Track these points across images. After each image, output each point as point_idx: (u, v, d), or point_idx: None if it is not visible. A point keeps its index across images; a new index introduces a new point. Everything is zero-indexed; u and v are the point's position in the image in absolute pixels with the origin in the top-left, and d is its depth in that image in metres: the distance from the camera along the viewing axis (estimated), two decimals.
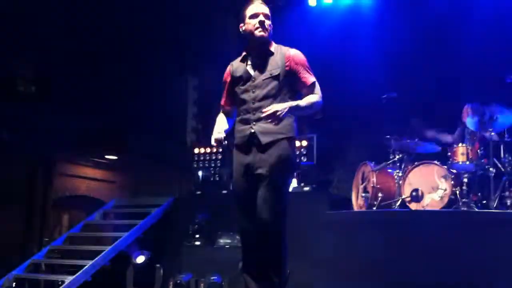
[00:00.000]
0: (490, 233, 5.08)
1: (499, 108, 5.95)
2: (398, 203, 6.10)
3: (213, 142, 3.65)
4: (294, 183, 7.09)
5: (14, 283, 6.56)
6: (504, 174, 5.91)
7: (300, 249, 5.41)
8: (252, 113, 3.55)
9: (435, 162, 6.13)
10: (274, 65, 3.56)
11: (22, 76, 8.62)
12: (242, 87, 3.61)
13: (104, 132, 8.80)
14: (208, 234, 6.96)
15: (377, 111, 7.22)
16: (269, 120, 3.38)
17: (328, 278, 5.60)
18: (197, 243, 6.97)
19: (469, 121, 6.24)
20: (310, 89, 3.58)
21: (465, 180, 5.96)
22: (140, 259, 6.77)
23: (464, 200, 5.80)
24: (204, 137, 8.83)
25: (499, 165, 5.95)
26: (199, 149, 8.02)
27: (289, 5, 8.57)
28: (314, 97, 3.55)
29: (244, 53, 3.71)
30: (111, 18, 8.38)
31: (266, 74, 3.56)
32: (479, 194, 5.95)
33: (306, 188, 6.98)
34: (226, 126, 3.73)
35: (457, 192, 5.89)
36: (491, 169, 5.86)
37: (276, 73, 3.54)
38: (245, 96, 3.59)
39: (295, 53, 3.62)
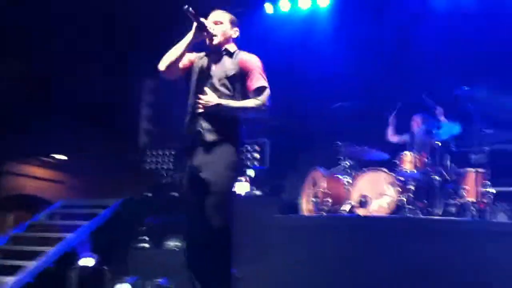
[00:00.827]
0: (435, 240, 5.18)
1: (446, 118, 6.15)
2: (347, 208, 6.18)
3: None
4: (246, 187, 7.11)
5: None
6: (449, 182, 6.09)
7: (250, 254, 5.40)
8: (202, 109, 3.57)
9: (383, 169, 6.25)
10: (230, 67, 3.64)
11: None
12: (197, 82, 3.66)
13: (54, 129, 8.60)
14: (156, 237, 6.88)
15: (329, 118, 7.34)
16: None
17: (277, 283, 5.61)
18: (146, 245, 6.87)
19: (417, 131, 6.42)
20: (255, 93, 3.61)
21: (412, 187, 6.08)
22: (86, 261, 6.61)
23: (410, 207, 5.93)
24: (157, 139, 8.74)
25: (445, 174, 6.12)
26: (151, 151, 7.94)
27: (245, 12, 8.58)
28: (254, 102, 3.57)
29: (205, 52, 3.78)
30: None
31: (222, 74, 3.63)
32: (425, 201, 6.09)
33: (258, 193, 7.00)
34: None
35: (404, 199, 6.01)
36: (437, 177, 6.03)
37: (231, 74, 3.62)
38: (198, 91, 3.61)
39: (251, 58, 3.70)
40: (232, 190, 3.67)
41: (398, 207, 6.00)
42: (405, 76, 7.70)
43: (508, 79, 6.89)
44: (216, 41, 3.69)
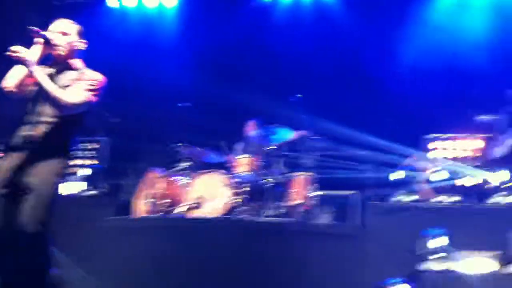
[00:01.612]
0: (262, 240, 5.41)
1: (280, 124, 6.49)
2: (183, 209, 6.22)
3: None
4: (83, 186, 6.85)
5: None
6: (280, 185, 6.42)
7: (81, 257, 5.20)
8: (37, 116, 3.48)
9: (220, 171, 6.40)
10: (69, 79, 3.57)
11: None
12: (37, 91, 3.50)
13: None
14: None
15: (171, 118, 7.34)
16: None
17: (107, 286, 5.46)
18: None
19: (252, 134, 6.66)
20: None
21: (246, 189, 6.30)
22: None
23: (243, 208, 6.14)
24: None
25: (277, 177, 6.44)
26: None
27: (86, 3, 8.27)
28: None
29: (50, 63, 3.65)
30: None
31: (60, 84, 3.52)
32: (259, 203, 6.35)
33: (93, 192, 6.78)
34: None
35: (239, 200, 6.20)
36: (270, 180, 6.31)
37: (67, 84, 3.53)
38: (36, 98, 3.50)
39: (91, 72, 3.64)
40: (54, 192, 3.55)
41: (233, 209, 6.19)
42: (246, 81, 7.99)
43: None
44: (61, 52, 3.59)
